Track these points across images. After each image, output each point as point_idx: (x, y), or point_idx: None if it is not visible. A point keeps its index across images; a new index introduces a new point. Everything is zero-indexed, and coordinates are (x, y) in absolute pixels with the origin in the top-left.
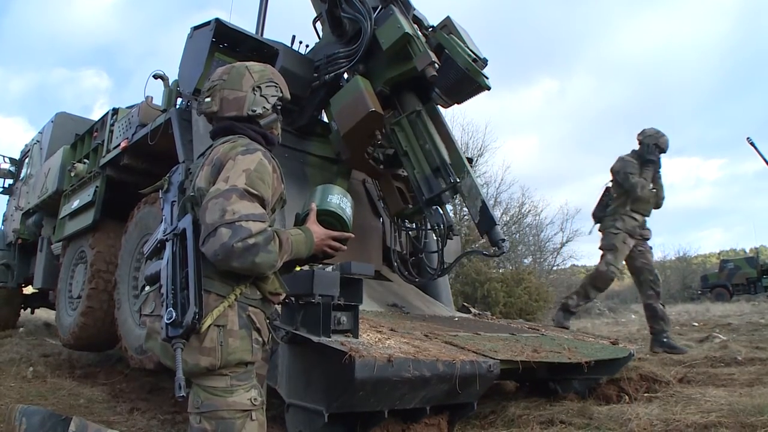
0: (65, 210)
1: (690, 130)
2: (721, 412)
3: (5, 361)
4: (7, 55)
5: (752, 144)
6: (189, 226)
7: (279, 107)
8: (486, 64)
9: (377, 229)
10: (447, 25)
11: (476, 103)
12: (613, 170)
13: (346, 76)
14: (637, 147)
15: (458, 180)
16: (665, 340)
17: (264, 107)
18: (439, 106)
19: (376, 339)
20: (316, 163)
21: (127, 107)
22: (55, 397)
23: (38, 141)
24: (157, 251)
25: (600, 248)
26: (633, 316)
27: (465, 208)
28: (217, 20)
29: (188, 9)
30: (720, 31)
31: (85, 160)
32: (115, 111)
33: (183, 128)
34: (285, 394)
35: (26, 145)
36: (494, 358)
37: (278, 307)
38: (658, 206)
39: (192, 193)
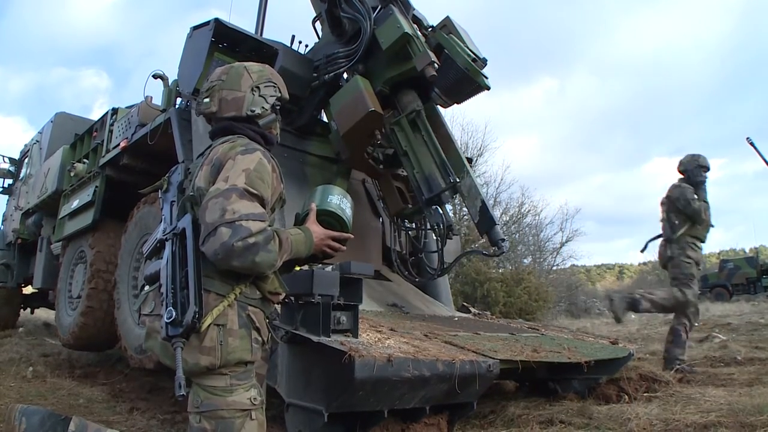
0: (65, 210)
1: (690, 129)
2: (721, 412)
3: (5, 360)
4: (7, 54)
5: (752, 144)
6: (189, 225)
7: (278, 107)
8: (485, 64)
9: (377, 228)
10: (446, 25)
11: (476, 102)
12: (672, 198)
13: (345, 75)
14: (681, 176)
15: (458, 180)
16: (678, 366)
17: (263, 107)
18: (438, 106)
19: (376, 339)
20: (316, 163)
21: (127, 107)
22: (55, 397)
23: (38, 141)
24: (157, 251)
25: (673, 278)
26: (633, 316)
27: (465, 208)
28: (217, 20)
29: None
30: (721, 31)
31: (85, 160)
32: (115, 111)
33: (182, 128)
34: (285, 393)
35: (26, 145)
36: (494, 358)
37: (278, 307)
38: (708, 230)
39: (191, 193)
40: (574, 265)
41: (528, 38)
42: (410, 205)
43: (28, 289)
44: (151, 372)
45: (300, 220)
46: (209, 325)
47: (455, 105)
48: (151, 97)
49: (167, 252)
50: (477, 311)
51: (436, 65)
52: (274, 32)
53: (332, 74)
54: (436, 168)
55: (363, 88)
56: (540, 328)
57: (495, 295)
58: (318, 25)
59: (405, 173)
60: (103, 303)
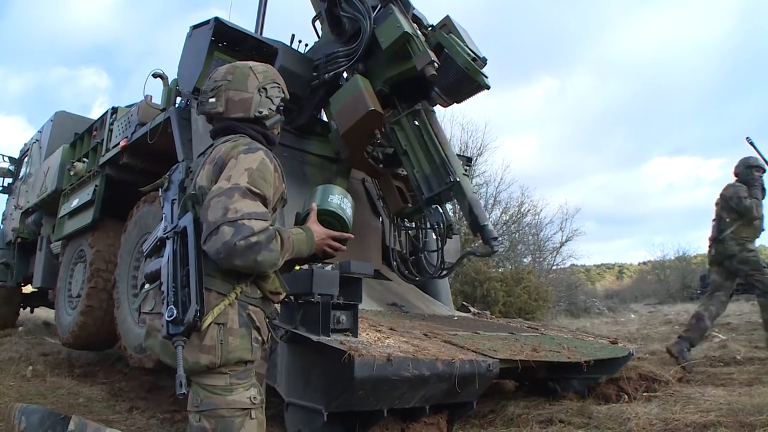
0: (64, 209)
1: (690, 129)
2: (720, 412)
3: (4, 359)
4: (7, 54)
5: (752, 144)
6: (190, 224)
7: (282, 108)
8: (485, 64)
9: (377, 228)
10: (446, 24)
11: (476, 102)
12: (725, 196)
13: (345, 75)
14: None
15: (458, 179)
16: (687, 350)
17: (270, 108)
18: (434, 107)
19: (376, 338)
20: (316, 163)
21: (127, 106)
22: (55, 396)
23: (37, 140)
24: (157, 249)
25: (749, 275)
26: (632, 316)
27: None
28: (217, 19)
29: (187, 8)
30: (721, 31)
31: (85, 159)
32: (115, 110)
33: (182, 127)
34: (284, 392)
35: (25, 144)
36: (493, 358)
37: (278, 306)
38: (762, 230)
39: (193, 192)
40: (573, 264)
41: (528, 38)
42: (410, 205)
43: (27, 288)
44: (151, 371)
45: (301, 220)
46: (210, 324)
47: (455, 104)
48: (151, 96)
49: (168, 250)
50: (476, 311)
51: (436, 64)
52: (274, 31)
53: (332, 73)
54: (435, 167)
55: (363, 87)
56: (540, 328)
57: (494, 295)
58: (318, 24)
59: (405, 172)
60: (103, 302)
